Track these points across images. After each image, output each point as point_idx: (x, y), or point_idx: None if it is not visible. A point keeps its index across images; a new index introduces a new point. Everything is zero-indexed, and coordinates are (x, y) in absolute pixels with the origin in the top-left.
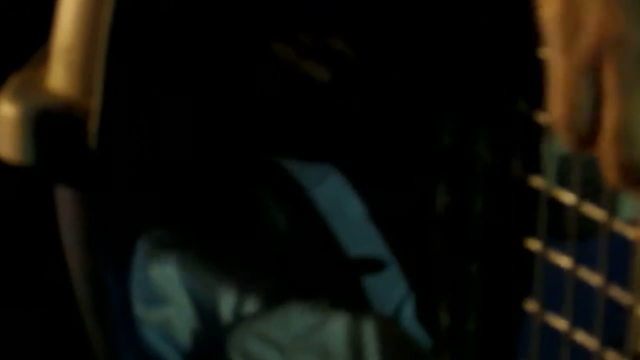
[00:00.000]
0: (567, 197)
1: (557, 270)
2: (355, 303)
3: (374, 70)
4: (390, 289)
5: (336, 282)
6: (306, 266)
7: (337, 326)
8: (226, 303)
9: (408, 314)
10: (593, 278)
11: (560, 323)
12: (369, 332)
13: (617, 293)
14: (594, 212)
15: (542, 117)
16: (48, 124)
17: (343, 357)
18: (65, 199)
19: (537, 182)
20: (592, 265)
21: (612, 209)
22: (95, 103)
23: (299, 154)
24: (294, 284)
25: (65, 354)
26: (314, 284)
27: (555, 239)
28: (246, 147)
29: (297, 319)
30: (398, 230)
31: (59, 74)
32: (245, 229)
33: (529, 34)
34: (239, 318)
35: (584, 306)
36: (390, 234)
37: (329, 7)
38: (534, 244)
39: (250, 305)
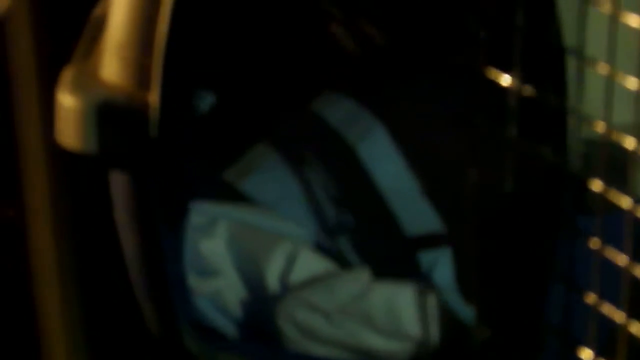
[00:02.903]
0: (594, 184)
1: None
2: (400, 265)
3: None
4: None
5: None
6: (353, 226)
7: (378, 295)
8: (273, 274)
9: (442, 275)
10: (618, 258)
11: (589, 296)
12: (407, 301)
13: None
14: (619, 199)
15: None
16: (110, 114)
17: (384, 324)
18: (119, 181)
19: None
20: (617, 238)
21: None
22: (154, 95)
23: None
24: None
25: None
26: (362, 242)
27: (581, 214)
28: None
29: (341, 288)
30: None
31: (113, 68)
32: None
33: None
34: (285, 288)
35: (614, 282)
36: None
37: None
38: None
39: (296, 275)
